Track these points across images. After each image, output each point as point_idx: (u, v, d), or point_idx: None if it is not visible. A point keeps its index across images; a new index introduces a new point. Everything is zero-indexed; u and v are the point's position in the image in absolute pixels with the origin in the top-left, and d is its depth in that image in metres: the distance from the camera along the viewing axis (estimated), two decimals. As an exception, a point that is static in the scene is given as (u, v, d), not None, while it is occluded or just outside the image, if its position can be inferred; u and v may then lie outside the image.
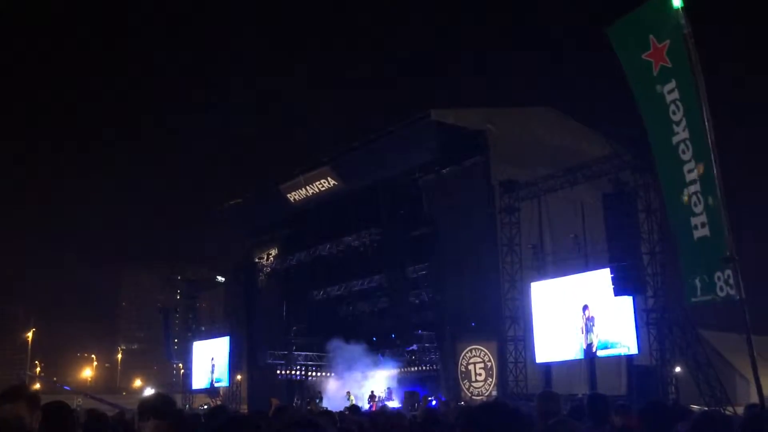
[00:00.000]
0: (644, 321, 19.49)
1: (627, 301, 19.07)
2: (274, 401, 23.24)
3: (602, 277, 19.56)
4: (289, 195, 31.34)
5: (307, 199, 30.77)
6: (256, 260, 34.65)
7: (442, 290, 26.51)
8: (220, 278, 39.95)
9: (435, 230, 26.31)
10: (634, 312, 19.10)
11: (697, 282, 4.27)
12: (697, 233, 4.20)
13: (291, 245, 33.61)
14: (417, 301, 28.91)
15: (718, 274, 4.02)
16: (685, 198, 4.29)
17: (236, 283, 34.90)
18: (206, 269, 44.43)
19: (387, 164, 26.67)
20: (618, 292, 18.31)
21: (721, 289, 4.03)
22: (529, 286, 22.36)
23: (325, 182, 29.74)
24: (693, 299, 4.41)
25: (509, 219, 23.05)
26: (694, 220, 4.22)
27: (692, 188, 4.24)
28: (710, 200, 4.10)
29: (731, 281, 3.91)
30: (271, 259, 34.52)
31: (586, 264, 21.73)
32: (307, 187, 30.49)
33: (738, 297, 3.83)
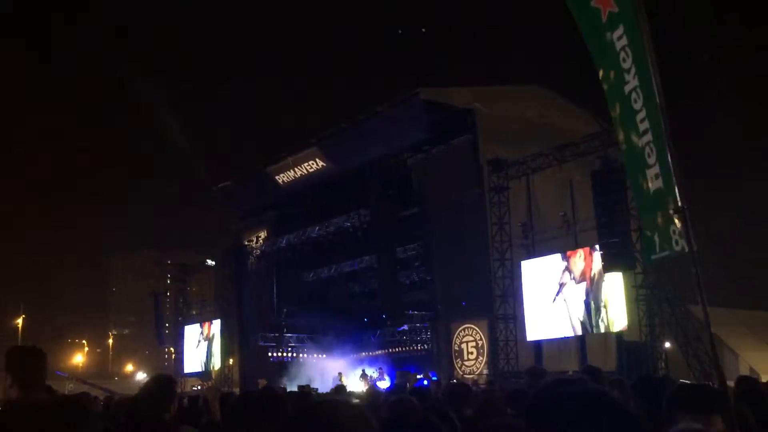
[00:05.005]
0: (634, 297, 19.62)
1: (617, 278, 19.20)
2: (262, 382, 23.30)
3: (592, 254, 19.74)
4: (277, 177, 31.22)
5: (296, 181, 30.66)
6: (246, 243, 34.55)
7: (432, 270, 26.54)
8: (210, 262, 39.86)
9: (424, 210, 26.29)
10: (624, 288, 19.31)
11: (656, 238, 4.20)
12: (653, 185, 4.12)
13: (280, 227, 33.52)
14: (408, 281, 28.94)
15: (673, 227, 3.95)
16: (640, 148, 4.22)
17: (226, 266, 34.82)
18: (196, 253, 44.27)
19: (375, 144, 26.55)
20: (608, 268, 18.41)
21: (677, 242, 3.95)
22: (519, 265, 22.43)
23: (313, 163, 29.64)
24: (653, 256, 4.32)
25: (498, 198, 23.05)
26: (649, 172, 4.14)
27: (645, 138, 4.15)
28: (660, 149, 4.02)
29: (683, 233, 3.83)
30: (261, 241, 34.43)
31: (576, 242, 21.79)
32: (296, 169, 30.37)
33: (689, 249, 3.74)
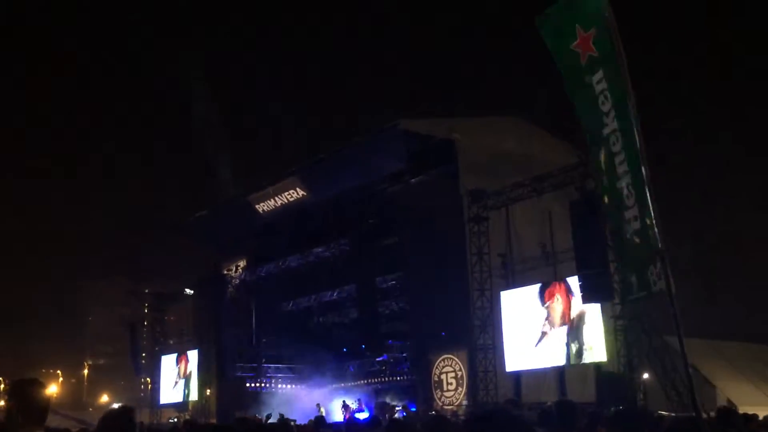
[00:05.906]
0: (612, 328, 19.67)
1: (595, 309, 19.27)
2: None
3: (571, 285, 19.81)
4: (257, 206, 31.15)
5: (276, 210, 30.59)
6: (225, 272, 34.33)
7: (411, 300, 26.49)
8: (188, 291, 39.49)
9: (404, 240, 26.30)
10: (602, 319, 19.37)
11: (633, 279, 4.27)
12: (631, 227, 4.20)
13: (260, 256, 33.36)
14: (387, 312, 28.84)
15: (651, 268, 4.02)
16: (619, 190, 4.29)
17: (204, 295, 34.53)
18: (173, 282, 43.81)
19: (355, 174, 26.64)
20: (586, 299, 18.46)
21: (654, 283, 4.03)
22: (499, 295, 22.46)
23: (293, 192, 29.62)
24: (629, 297, 4.41)
25: (477, 228, 23.12)
26: (628, 214, 4.22)
27: (624, 180, 4.23)
28: (639, 192, 4.10)
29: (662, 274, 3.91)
30: (240, 270, 34.21)
31: (555, 272, 21.87)
32: (276, 198, 30.32)
33: (667, 291, 3.82)
